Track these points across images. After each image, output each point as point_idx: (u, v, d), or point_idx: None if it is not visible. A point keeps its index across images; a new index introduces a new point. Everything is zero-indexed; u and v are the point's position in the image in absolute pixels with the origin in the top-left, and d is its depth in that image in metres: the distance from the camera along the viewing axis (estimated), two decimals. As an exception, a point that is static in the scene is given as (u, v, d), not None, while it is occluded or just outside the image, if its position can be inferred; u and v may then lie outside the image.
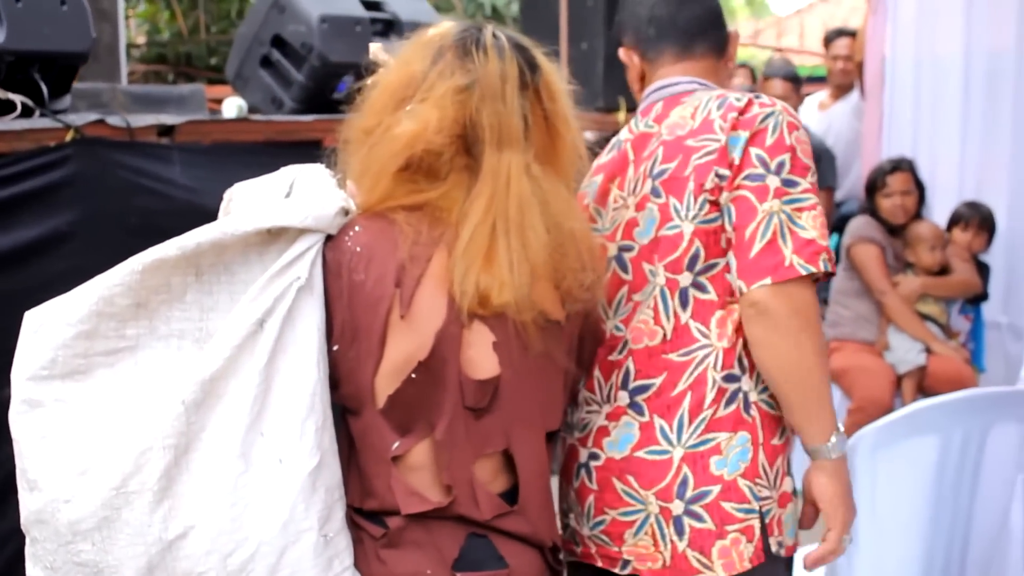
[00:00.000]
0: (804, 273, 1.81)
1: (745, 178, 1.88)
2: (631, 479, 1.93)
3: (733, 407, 1.91)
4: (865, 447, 2.29)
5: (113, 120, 3.36)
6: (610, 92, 5.51)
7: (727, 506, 1.89)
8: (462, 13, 11.57)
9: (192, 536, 1.53)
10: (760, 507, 1.90)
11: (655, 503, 1.92)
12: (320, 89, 4.07)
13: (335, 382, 1.69)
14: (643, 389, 1.95)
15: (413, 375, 1.65)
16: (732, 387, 1.91)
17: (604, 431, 1.98)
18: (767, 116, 1.93)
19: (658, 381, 1.93)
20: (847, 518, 1.92)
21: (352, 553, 1.69)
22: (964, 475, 2.48)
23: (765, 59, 9.55)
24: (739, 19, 16.63)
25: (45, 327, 1.55)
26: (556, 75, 1.75)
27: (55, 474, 1.53)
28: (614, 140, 2.19)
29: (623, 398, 1.96)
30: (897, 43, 5.41)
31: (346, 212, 1.70)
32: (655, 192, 1.97)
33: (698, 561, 1.89)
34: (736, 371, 1.91)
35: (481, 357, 1.68)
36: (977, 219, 4.87)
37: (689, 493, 1.90)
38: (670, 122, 2.03)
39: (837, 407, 4.59)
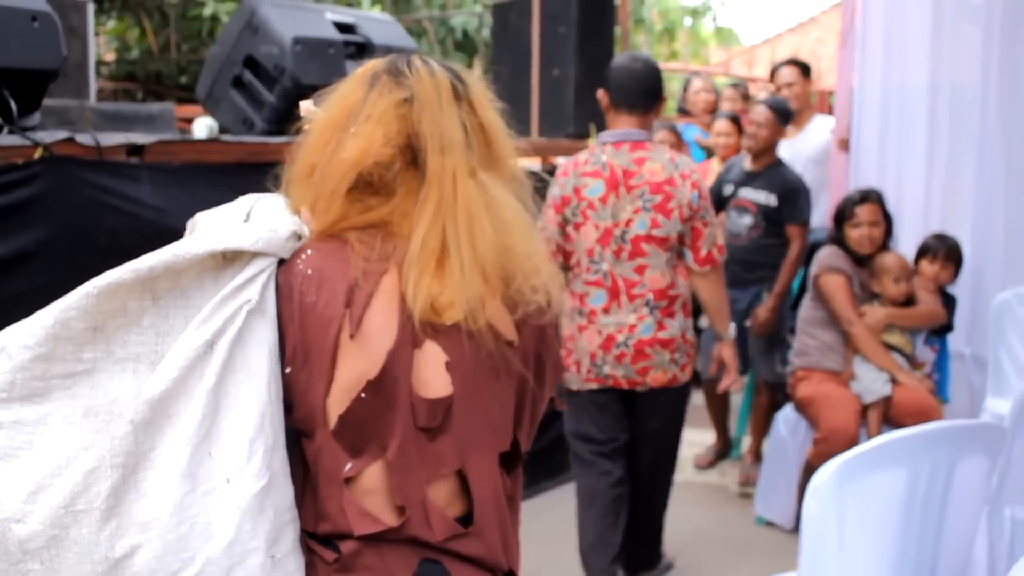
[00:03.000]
0: (719, 260, 3.89)
1: (699, 217, 3.81)
2: (656, 346, 3.80)
3: (684, 313, 3.90)
4: (832, 480, 2.29)
5: (82, 138, 3.34)
6: (581, 118, 5.54)
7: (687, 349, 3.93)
8: (433, 37, 11.59)
9: (138, 555, 1.54)
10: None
11: (667, 354, 3.82)
12: (292, 111, 4.06)
13: (289, 405, 1.70)
14: (657, 306, 3.79)
15: (363, 394, 1.66)
16: (687, 304, 3.91)
17: (634, 327, 3.79)
18: (697, 176, 3.83)
19: (664, 303, 3.80)
20: (735, 367, 4.06)
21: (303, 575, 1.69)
22: (931, 507, 2.48)
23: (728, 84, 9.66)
24: (710, 48, 16.74)
25: (5, 350, 1.57)
26: (485, 93, 1.82)
27: (10, 494, 1.53)
28: (594, 158, 3.84)
29: (645, 310, 3.78)
30: (865, 73, 5.47)
31: (299, 236, 1.73)
32: (646, 209, 3.74)
33: (679, 375, 3.89)
34: (689, 298, 3.94)
35: (433, 377, 1.70)
36: (944, 251, 4.91)
37: (676, 346, 3.85)
38: (648, 169, 3.77)
39: (803, 436, 4.64)
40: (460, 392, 1.71)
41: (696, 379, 5.53)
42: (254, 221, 1.76)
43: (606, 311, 3.79)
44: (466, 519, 1.75)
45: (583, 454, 4.05)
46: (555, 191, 3.87)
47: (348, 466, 1.69)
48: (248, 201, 1.83)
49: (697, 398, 5.67)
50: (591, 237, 3.78)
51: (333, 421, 1.68)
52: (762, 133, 5.36)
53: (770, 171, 5.40)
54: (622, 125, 3.83)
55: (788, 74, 6.14)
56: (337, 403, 1.67)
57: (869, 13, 5.44)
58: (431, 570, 1.72)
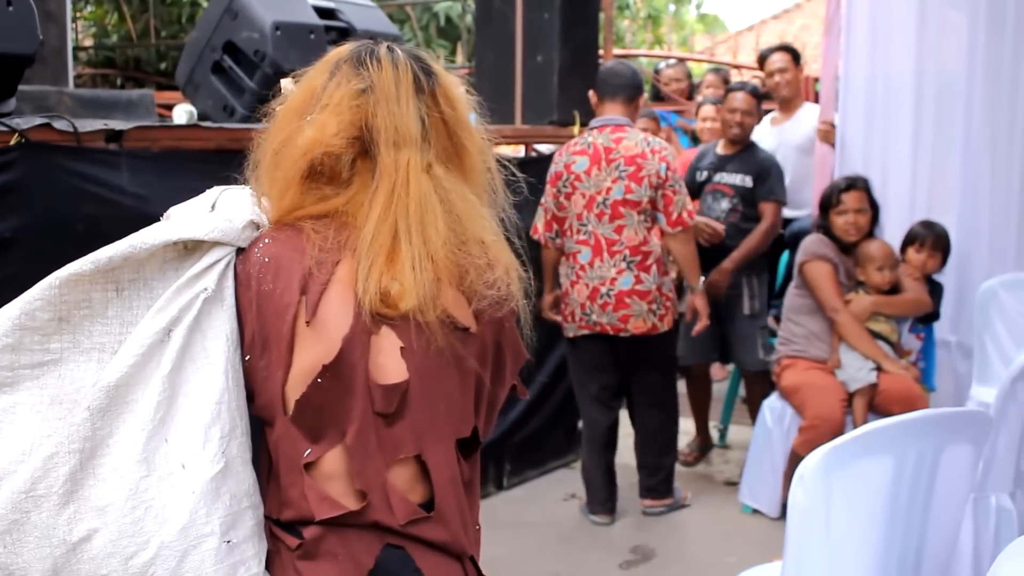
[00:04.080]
0: (689, 224, 4.57)
1: (668, 185, 4.53)
2: (634, 297, 4.52)
3: (659, 269, 4.59)
4: (819, 468, 2.27)
5: (60, 124, 3.29)
6: (565, 105, 5.49)
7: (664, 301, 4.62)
8: (416, 23, 11.54)
9: (95, 539, 1.57)
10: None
11: (644, 304, 4.53)
12: (273, 97, 4.02)
13: (251, 394, 1.73)
14: (633, 261, 4.53)
15: (320, 380, 1.67)
16: (660, 260, 4.59)
17: (614, 279, 4.52)
18: (667, 152, 4.58)
19: (638, 258, 4.53)
20: (706, 313, 4.75)
21: (262, 561, 1.71)
22: (917, 496, 2.47)
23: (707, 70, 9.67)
24: (695, 34, 16.72)
25: None
26: (453, 84, 1.82)
27: None
28: (583, 140, 4.66)
29: (623, 264, 4.52)
30: (850, 61, 5.45)
31: (257, 226, 1.76)
32: (621, 177, 4.51)
33: (658, 324, 4.59)
34: (662, 255, 4.62)
35: (389, 362, 1.71)
36: (931, 239, 4.89)
37: (653, 298, 4.55)
38: (624, 146, 4.55)
39: (788, 424, 4.63)
40: (416, 378, 1.72)
41: (684, 371, 5.54)
42: (216, 212, 1.78)
43: (591, 265, 4.58)
44: (428, 505, 1.76)
45: (582, 393, 4.86)
46: (551, 169, 4.70)
47: (307, 452, 1.70)
48: (215, 192, 1.85)
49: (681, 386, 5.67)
50: (579, 204, 4.59)
51: (292, 407, 1.69)
52: (748, 120, 5.35)
53: (743, 154, 5.41)
54: (606, 113, 4.69)
55: (779, 60, 6.10)
56: (295, 389, 1.69)
57: (854, 0, 5.42)
58: (394, 556, 1.73)
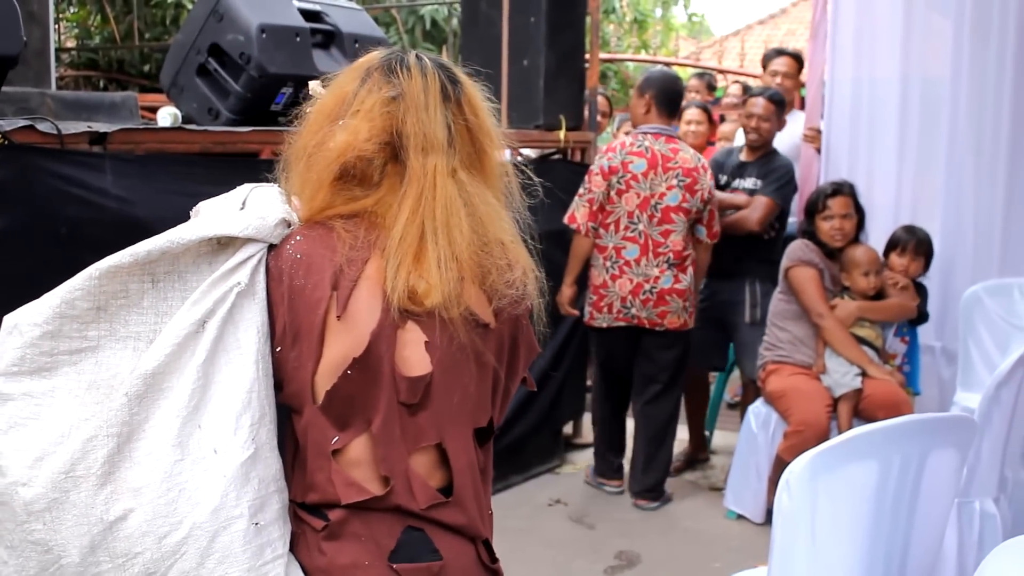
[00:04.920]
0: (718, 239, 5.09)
1: (712, 201, 5.00)
2: (673, 295, 4.88)
3: (692, 271, 4.97)
4: (804, 473, 2.27)
5: (43, 126, 3.27)
6: (551, 109, 5.47)
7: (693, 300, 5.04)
8: (402, 25, 11.52)
9: (131, 518, 1.66)
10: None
11: (681, 302, 4.90)
12: (258, 100, 4.00)
13: (280, 383, 1.81)
14: (675, 263, 4.89)
15: (349, 371, 1.76)
16: (693, 264, 5.00)
17: (657, 277, 4.88)
18: (710, 170, 5.06)
19: (679, 261, 4.89)
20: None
21: (287, 543, 1.80)
22: (902, 500, 2.47)
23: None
24: (679, 39, 16.74)
25: (17, 327, 1.70)
26: (478, 92, 1.91)
27: (18, 460, 1.66)
28: (638, 143, 4.97)
29: (665, 266, 4.88)
30: (836, 66, 5.47)
31: (288, 224, 1.85)
32: (679, 187, 4.88)
33: (688, 321, 4.99)
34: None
35: (414, 356, 1.80)
36: (913, 243, 4.90)
37: (687, 297, 4.93)
38: (681, 158, 4.93)
39: (773, 429, 4.63)
40: (438, 371, 1.81)
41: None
42: (248, 209, 1.87)
43: (637, 263, 4.91)
44: (446, 490, 1.86)
45: (603, 378, 5.29)
46: (603, 163, 4.97)
47: (335, 439, 1.79)
48: (244, 190, 1.94)
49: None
50: (632, 202, 4.90)
51: (321, 397, 1.78)
52: (765, 126, 5.32)
53: (761, 159, 5.40)
54: (656, 122, 5.03)
55: (782, 64, 6.10)
56: (325, 380, 1.77)
57: (840, 5, 5.44)
58: (414, 537, 1.82)
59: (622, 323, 4.95)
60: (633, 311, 4.91)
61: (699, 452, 5.78)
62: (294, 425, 1.84)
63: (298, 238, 1.82)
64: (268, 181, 1.96)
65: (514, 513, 4.94)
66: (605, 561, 4.44)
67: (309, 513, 1.82)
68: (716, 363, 5.64)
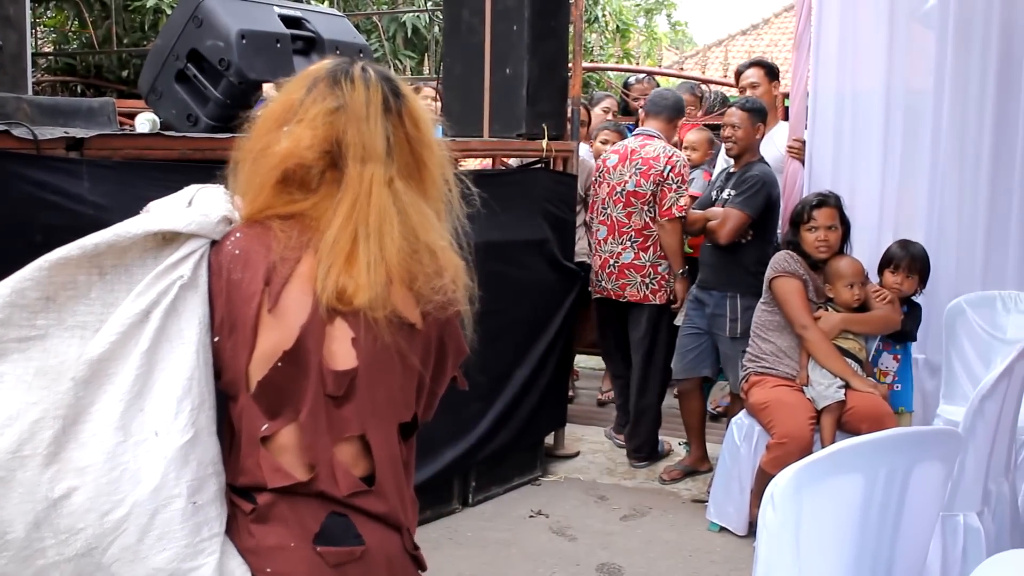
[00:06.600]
0: (675, 216, 5.57)
1: (666, 183, 5.60)
2: (631, 270, 5.67)
3: (655, 251, 5.65)
4: (789, 486, 2.25)
5: (19, 132, 3.22)
6: (533, 118, 5.44)
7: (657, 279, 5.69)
8: (383, 33, 11.49)
9: (75, 496, 1.75)
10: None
11: (638, 277, 5.66)
12: (237, 106, 3.95)
13: (218, 371, 1.92)
14: (636, 240, 5.65)
15: (279, 363, 1.88)
16: (657, 244, 5.67)
17: (619, 253, 5.69)
18: (677, 158, 5.68)
19: (640, 239, 5.65)
20: (683, 297, 5.63)
21: (223, 523, 1.90)
22: (887, 514, 2.45)
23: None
24: (662, 48, 16.77)
25: None
26: (420, 105, 2.02)
27: None
28: (621, 145, 5.94)
29: (627, 243, 5.67)
30: (819, 78, 5.46)
31: (230, 221, 1.95)
32: (636, 174, 5.65)
33: (649, 296, 5.69)
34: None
35: (341, 351, 1.90)
36: (907, 260, 4.85)
37: (646, 273, 5.65)
38: (645, 150, 5.70)
39: (756, 441, 4.60)
40: (363, 366, 1.91)
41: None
42: (193, 207, 1.97)
43: (605, 241, 5.78)
44: (369, 480, 1.97)
45: (602, 340, 6.17)
46: (596, 163, 6.05)
47: (265, 427, 1.90)
48: (192, 189, 2.03)
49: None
50: (604, 191, 5.80)
51: (253, 386, 1.90)
52: (737, 134, 5.34)
53: (742, 169, 5.42)
54: (646, 126, 5.92)
55: (752, 75, 6.11)
56: (257, 370, 1.89)
57: (823, 17, 5.42)
58: (338, 522, 1.94)
59: (599, 295, 5.86)
60: (603, 283, 5.80)
61: (700, 464, 5.74)
62: (230, 412, 1.95)
63: (237, 235, 1.92)
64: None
65: (495, 525, 4.91)
66: (587, 573, 4.41)
67: (240, 496, 1.93)
68: (705, 372, 5.61)
